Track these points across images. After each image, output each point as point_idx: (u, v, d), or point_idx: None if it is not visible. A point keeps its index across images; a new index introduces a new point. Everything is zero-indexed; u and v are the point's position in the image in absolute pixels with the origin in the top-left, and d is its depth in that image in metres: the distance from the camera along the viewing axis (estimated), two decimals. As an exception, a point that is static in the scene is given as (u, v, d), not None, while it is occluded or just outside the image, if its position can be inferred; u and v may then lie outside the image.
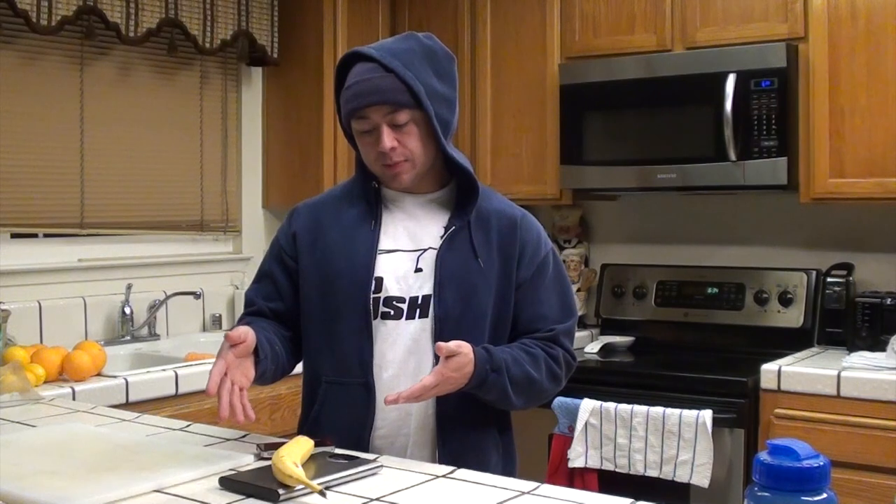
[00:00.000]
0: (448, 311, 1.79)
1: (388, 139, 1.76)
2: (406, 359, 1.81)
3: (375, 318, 1.81)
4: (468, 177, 1.86)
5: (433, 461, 1.79)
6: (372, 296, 1.80)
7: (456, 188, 1.90)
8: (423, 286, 1.81)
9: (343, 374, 1.82)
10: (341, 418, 1.82)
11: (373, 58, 1.77)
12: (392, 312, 1.81)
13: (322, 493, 1.40)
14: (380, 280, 1.81)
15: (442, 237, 1.83)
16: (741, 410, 2.85)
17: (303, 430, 1.92)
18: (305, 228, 1.89)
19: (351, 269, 1.81)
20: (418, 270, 1.82)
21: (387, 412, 1.81)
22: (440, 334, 1.78)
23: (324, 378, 1.85)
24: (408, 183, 1.83)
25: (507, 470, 1.88)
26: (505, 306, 1.85)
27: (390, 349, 1.80)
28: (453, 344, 1.69)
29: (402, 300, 1.81)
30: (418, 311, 1.81)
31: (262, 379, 1.79)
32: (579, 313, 3.63)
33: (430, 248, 1.84)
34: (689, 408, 2.82)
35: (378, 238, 1.84)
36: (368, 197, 1.87)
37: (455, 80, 1.86)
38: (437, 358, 1.73)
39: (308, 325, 1.88)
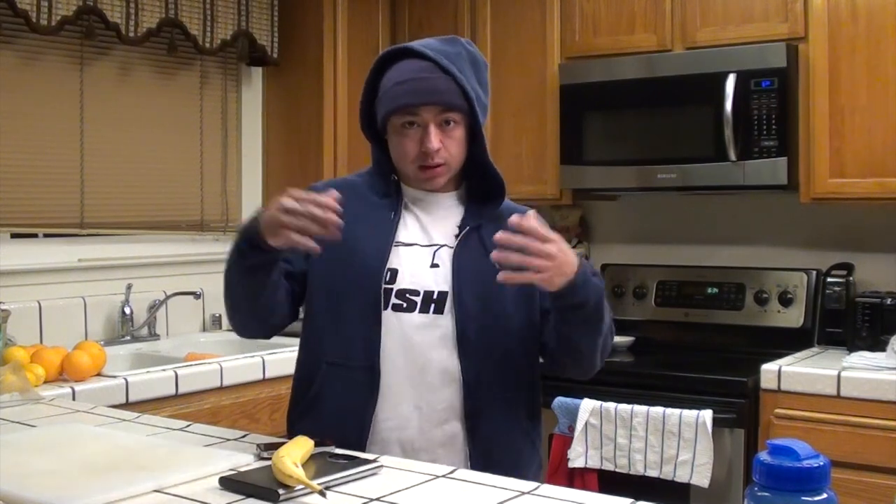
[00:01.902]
0: (468, 311, 1.79)
1: (435, 139, 1.78)
2: (413, 351, 1.79)
3: (386, 308, 1.80)
4: (496, 181, 1.87)
5: (464, 461, 1.79)
6: (384, 286, 1.80)
7: (467, 188, 1.91)
8: (440, 282, 1.81)
9: (347, 356, 1.81)
10: (341, 402, 1.81)
11: (427, 56, 1.78)
12: (405, 305, 1.80)
13: (322, 493, 1.40)
14: (394, 271, 1.81)
15: (457, 236, 1.84)
16: (741, 410, 2.85)
17: (294, 415, 1.90)
18: None
19: (365, 254, 1.81)
20: (435, 266, 1.82)
21: (393, 403, 1.80)
22: (463, 333, 1.79)
23: (325, 360, 1.83)
24: (441, 185, 1.85)
25: (536, 468, 1.88)
26: (529, 299, 1.83)
27: (399, 341, 1.79)
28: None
29: (416, 293, 1.80)
30: (433, 306, 1.80)
31: (263, 289, 1.76)
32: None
33: (445, 245, 1.84)
34: (689, 408, 2.82)
35: (396, 229, 1.84)
36: (388, 190, 1.88)
37: (489, 88, 1.88)
38: (461, 358, 1.77)
39: (313, 303, 1.86)
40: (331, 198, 1.62)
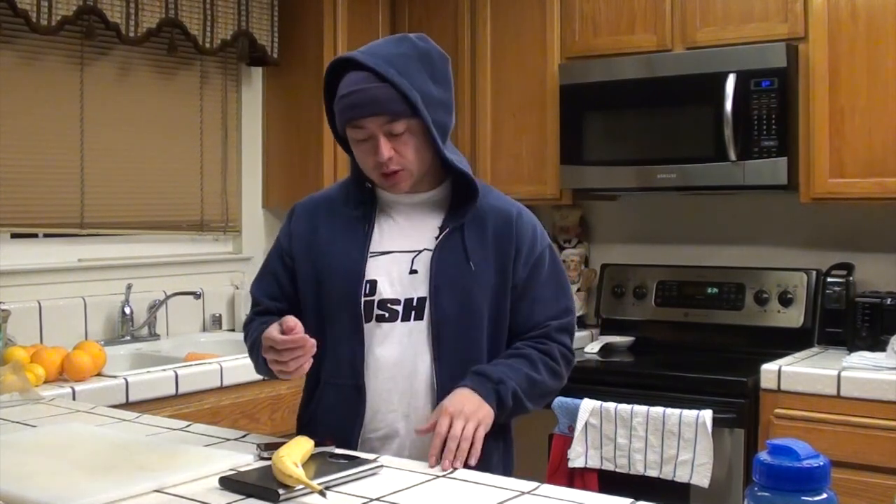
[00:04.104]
0: (445, 314, 1.79)
1: (385, 149, 1.75)
2: (401, 361, 1.81)
3: (370, 321, 1.81)
4: (466, 179, 1.85)
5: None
6: (365, 299, 1.80)
7: (451, 187, 1.89)
8: (419, 288, 1.81)
9: (337, 375, 1.83)
10: (333, 418, 1.83)
11: (366, 66, 1.74)
12: (387, 315, 1.81)
13: (322, 493, 1.40)
14: (374, 283, 1.81)
15: (437, 238, 1.83)
16: (741, 410, 2.85)
17: (298, 427, 1.93)
18: (302, 230, 1.90)
19: (342, 272, 1.81)
20: (413, 272, 1.82)
21: (382, 414, 1.81)
22: (438, 337, 1.79)
23: (322, 378, 1.87)
24: (406, 189, 1.83)
25: (507, 470, 1.89)
26: (502, 305, 1.85)
27: (386, 352, 1.80)
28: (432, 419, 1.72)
29: (397, 302, 1.81)
30: (413, 312, 1.81)
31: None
32: (579, 313, 3.65)
33: (425, 249, 1.83)
34: (689, 408, 2.82)
35: (370, 241, 1.83)
36: (363, 198, 1.87)
37: (450, 81, 1.84)
38: (434, 361, 1.78)
39: (307, 325, 1.88)
40: (296, 332, 1.66)
